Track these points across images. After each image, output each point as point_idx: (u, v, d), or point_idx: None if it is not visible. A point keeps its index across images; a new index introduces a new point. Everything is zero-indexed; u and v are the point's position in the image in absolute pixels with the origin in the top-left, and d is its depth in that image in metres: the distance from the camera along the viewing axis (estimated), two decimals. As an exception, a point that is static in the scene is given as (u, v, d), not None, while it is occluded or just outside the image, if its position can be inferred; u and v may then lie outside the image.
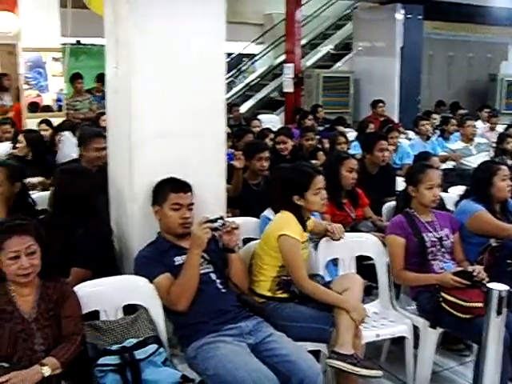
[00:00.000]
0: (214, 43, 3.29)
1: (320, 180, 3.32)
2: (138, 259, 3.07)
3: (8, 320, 2.58)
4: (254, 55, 14.44)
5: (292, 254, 3.21)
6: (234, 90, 13.52)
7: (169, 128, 3.20)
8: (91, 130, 5.47)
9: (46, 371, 2.49)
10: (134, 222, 3.26)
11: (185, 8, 3.18)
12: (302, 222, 3.32)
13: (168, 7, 3.13)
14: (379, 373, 3.03)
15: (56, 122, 7.13)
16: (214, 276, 3.07)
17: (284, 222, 3.28)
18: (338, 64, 12.74)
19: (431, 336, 3.48)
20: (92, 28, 10.22)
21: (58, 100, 9.18)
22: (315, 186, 3.29)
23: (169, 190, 3.08)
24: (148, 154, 3.18)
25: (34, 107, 8.88)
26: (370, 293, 3.95)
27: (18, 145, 5.59)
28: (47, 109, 8.95)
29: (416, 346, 3.54)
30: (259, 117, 8.98)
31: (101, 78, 9.56)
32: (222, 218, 3.03)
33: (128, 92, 3.15)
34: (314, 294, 3.18)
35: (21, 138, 5.62)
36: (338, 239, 3.61)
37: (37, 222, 2.79)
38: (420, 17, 11.02)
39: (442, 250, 3.67)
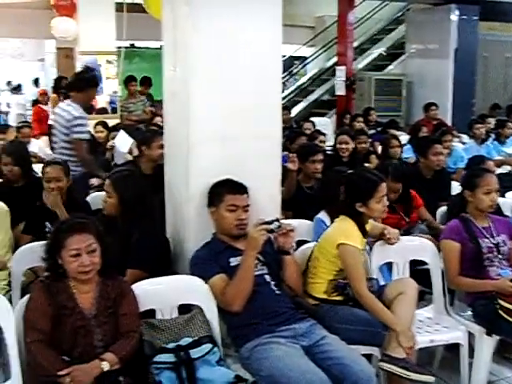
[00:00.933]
0: (271, 44, 3.31)
1: (383, 187, 3.30)
2: (193, 259, 3.11)
3: (69, 315, 2.65)
4: (305, 58, 14.43)
5: (353, 264, 3.19)
6: (285, 92, 13.53)
7: (226, 130, 3.23)
8: (151, 129, 5.57)
9: (105, 366, 2.55)
10: (190, 222, 3.30)
11: (243, 9, 3.20)
12: (363, 228, 3.31)
13: (226, 9, 3.16)
14: (431, 378, 2.98)
15: (111, 123, 7.29)
16: (268, 278, 3.09)
17: (345, 230, 3.27)
18: (391, 67, 12.62)
19: (487, 343, 3.41)
20: (145, 31, 10.49)
21: (112, 102, 9.39)
22: (379, 194, 3.26)
23: (225, 191, 3.11)
24: (205, 155, 3.22)
25: (90, 109, 9.09)
26: (422, 298, 3.90)
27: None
28: (102, 111, 9.15)
29: (470, 353, 3.47)
30: (312, 119, 8.96)
31: (144, 81, 9.72)
32: (277, 220, 3.04)
33: (186, 94, 3.19)
34: (370, 307, 3.15)
35: None
36: (393, 243, 3.58)
37: (97, 221, 2.85)
38: (475, 18, 10.84)
39: (499, 256, 3.59)
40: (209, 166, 3.22)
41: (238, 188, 3.14)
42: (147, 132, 5.09)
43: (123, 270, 3.11)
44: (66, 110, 5.18)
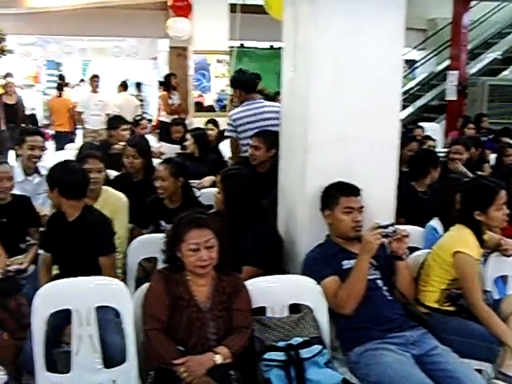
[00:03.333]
0: (393, 45, 3.27)
1: (503, 195, 3.19)
2: (307, 260, 3.12)
3: (185, 307, 2.72)
4: (414, 61, 14.10)
5: (469, 274, 3.10)
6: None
7: (344, 132, 3.22)
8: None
9: (219, 359, 2.61)
10: (304, 223, 3.31)
11: (366, 9, 3.17)
12: (480, 237, 3.21)
13: (349, 8, 3.15)
14: None
15: (220, 121, 7.44)
16: (380, 283, 3.05)
17: (462, 238, 3.18)
18: (505, 72, 12.10)
19: None
20: (255, 32, 10.66)
21: (219, 100, 9.57)
22: (499, 202, 3.17)
23: (340, 193, 3.10)
24: (322, 157, 3.22)
25: (199, 107, 9.34)
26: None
27: (186, 143, 5.90)
28: (210, 109, 9.36)
29: None
30: (421, 124, 8.76)
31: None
32: (393, 224, 3.01)
33: (305, 95, 3.21)
34: (485, 320, 3.05)
35: (189, 136, 5.92)
36: (510, 255, 3.45)
37: (215, 218, 2.92)
38: None
39: None
40: (325, 167, 3.22)
41: (352, 190, 3.13)
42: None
43: (236, 267, 3.17)
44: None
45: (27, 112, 11.08)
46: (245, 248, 3.23)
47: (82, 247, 3.31)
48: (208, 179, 5.16)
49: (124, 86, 11.32)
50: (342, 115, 3.21)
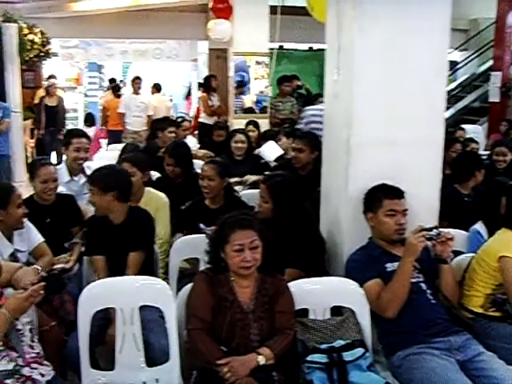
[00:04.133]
0: (438, 46, 3.24)
1: None
2: (349, 263, 3.11)
3: (229, 308, 2.74)
4: (456, 63, 13.90)
5: None
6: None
7: (388, 134, 3.21)
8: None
9: (261, 360, 2.62)
10: (347, 226, 3.31)
11: (412, 11, 3.15)
12: None
13: (394, 10, 3.13)
14: None
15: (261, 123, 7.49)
16: (424, 286, 3.02)
17: (508, 243, 3.12)
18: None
19: None
20: (295, 34, 10.65)
21: (258, 102, 9.57)
22: None
23: (383, 196, 3.08)
24: (365, 159, 3.21)
25: (239, 108, 9.37)
26: None
27: (233, 144, 5.91)
28: (249, 110, 9.38)
29: None
30: (463, 126, 8.63)
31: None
32: (437, 227, 2.98)
33: (349, 97, 3.20)
34: None
35: (242, 137, 5.92)
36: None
37: (259, 219, 2.93)
38: None
39: None
40: (369, 169, 3.20)
41: (395, 192, 3.10)
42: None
43: (279, 269, 3.17)
44: None
45: (68, 114, 11.27)
46: (287, 250, 3.23)
47: (130, 249, 3.37)
48: (251, 177, 5.20)
49: (157, 88, 11.43)
50: (386, 117, 3.20)
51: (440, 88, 3.30)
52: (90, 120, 11.52)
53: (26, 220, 3.47)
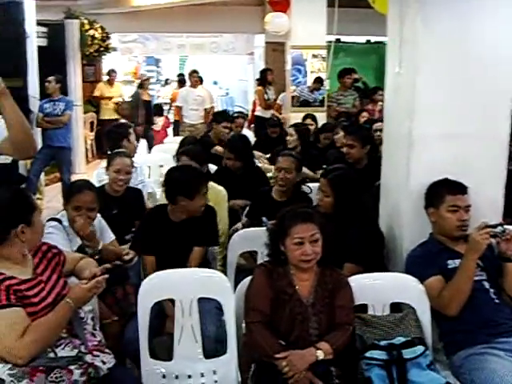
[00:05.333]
0: (503, 40, 3.13)
1: None
2: (410, 258, 3.07)
3: (288, 301, 2.73)
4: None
5: None
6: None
7: (451, 128, 3.14)
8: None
9: (320, 355, 2.60)
10: (408, 221, 3.26)
11: (477, 5, 3.07)
12: None
13: (459, 4, 3.05)
14: None
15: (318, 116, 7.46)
16: (487, 284, 2.95)
17: None
18: None
19: None
20: (352, 27, 10.52)
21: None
22: None
23: (445, 191, 3.02)
24: (427, 153, 3.16)
25: (295, 101, 9.33)
26: None
27: (288, 137, 5.91)
28: (306, 104, 9.31)
29: None
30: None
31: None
32: (502, 224, 2.90)
33: (411, 90, 3.15)
34: None
35: (291, 130, 5.93)
36: None
37: (320, 213, 2.91)
38: None
39: None
40: (431, 164, 3.15)
41: (459, 188, 3.04)
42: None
43: (337, 263, 3.15)
44: None
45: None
46: (346, 245, 3.21)
47: (195, 244, 3.42)
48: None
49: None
50: (449, 111, 3.14)
51: (506, 82, 3.18)
52: (158, 110, 11.72)
53: (100, 217, 3.53)
